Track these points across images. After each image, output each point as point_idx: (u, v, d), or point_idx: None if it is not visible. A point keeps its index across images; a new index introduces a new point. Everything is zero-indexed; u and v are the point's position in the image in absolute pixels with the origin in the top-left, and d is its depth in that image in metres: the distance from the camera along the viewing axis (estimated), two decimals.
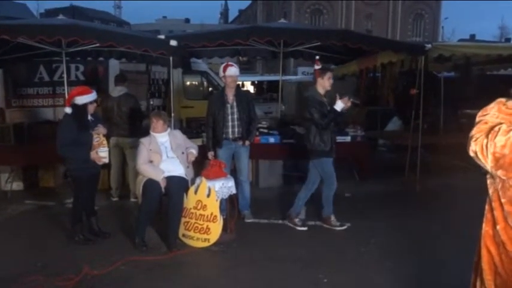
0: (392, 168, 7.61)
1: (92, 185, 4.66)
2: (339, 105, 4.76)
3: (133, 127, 5.94)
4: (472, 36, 44.72)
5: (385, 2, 42.52)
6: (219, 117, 5.07)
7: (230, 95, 5.11)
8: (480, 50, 6.84)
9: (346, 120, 7.04)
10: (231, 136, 5.12)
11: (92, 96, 4.45)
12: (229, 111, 5.09)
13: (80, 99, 4.36)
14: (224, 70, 5.04)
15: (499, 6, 68.45)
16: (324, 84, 4.95)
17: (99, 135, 4.43)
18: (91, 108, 4.47)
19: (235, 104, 5.10)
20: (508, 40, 47.09)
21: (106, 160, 4.54)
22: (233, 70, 5.04)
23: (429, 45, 6.32)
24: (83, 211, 4.63)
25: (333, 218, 5.03)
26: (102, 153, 4.44)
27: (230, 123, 5.10)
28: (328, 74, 4.96)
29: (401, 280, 3.70)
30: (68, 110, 4.40)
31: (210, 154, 5.13)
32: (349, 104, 4.82)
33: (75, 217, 4.59)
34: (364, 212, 5.33)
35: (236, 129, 5.12)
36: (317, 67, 5.04)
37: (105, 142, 4.49)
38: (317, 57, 5.16)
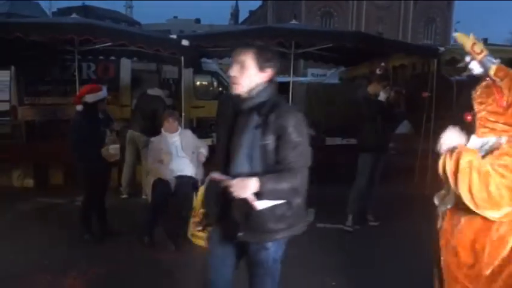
0: (402, 171, 7.54)
1: (103, 184, 4.67)
2: (382, 96, 4.83)
3: (152, 128, 5.96)
4: (484, 40, 44.14)
5: (397, 5, 42.27)
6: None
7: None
8: (492, 54, 6.77)
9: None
10: None
11: (102, 94, 4.46)
12: None
13: (90, 97, 4.36)
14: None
15: (511, 12, 67.73)
16: (375, 89, 4.93)
17: (112, 132, 4.44)
18: (101, 106, 4.48)
19: None
20: None
21: (117, 157, 4.52)
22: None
23: (442, 48, 6.28)
24: (93, 209, 4.64)
25: (349, 218, 5.00)
26: (112, 150, 4.42)
27: None
28: (385, 83, 4.96)
29: (410, 284, 3.66)
30: (79, 107, 4.40)
31: None
32: (392, 93, 4.89)
33: (85, 215, 4.60)
34: (372, 215, 5.27)
35: None
36: (378, 72, 5.11)
37: (116, 140, 4.49)
38: (382, 64, 5.25)
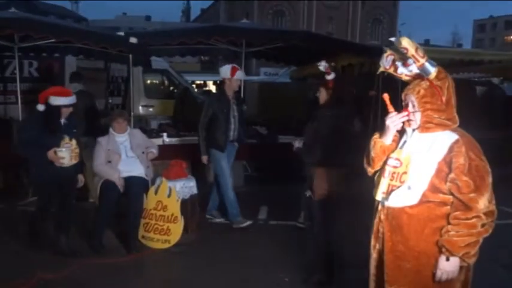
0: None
1: (63, 194, 4.24)
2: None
3: (88, 126, 5.74)
4: (427, 41, 46.58)
5: (345, 6, 43.50)
6: (223, 119, 4.89)
7: (231, 97, 5.02)
8: (433, 54, 7.09)
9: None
10: (231, 138, 5.04)
11: (69, 99, 4.08)
12: (231, 113, 4.98)
13: (55, 100, 3.99)
14: (233, 73, 4.89)
15: (452, 15, 71.76)
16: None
17: (71, 139, 4.15)
18: (65, 112, 4.10)
19: (234, 106, 5.05)
20: (459, 45, 49.42)
21: (65, 161, 4.10)
22: (241, 74, 5.00)
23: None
24: (47, 216, 4.26)
25: (302, 214, 5.02)
26: (61, 153, 4.05)
27: (232, 126, 5.00)
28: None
29: (361, 279, 3.77)
30: (41, 107, 4.01)
31: (205, 158, 4.99)
32: None
33: (34, 221, 4.27)
34: None
35: (236, 132, 5.07)
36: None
37: (72, 145, 4.15)
38: (331, 64, 5.30)
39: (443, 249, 2.02)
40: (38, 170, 4.10)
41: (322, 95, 3.70)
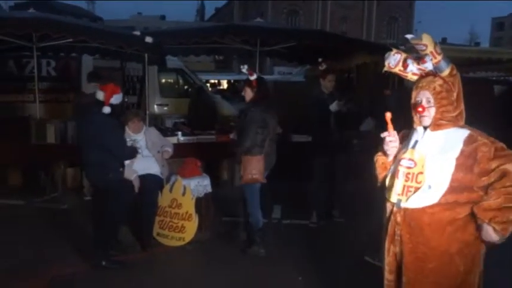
0: (366, 168, 7.69)
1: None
2: (333, 107, 4.94)
3: None
4: (444, 40, 45.95)
5: (360, 5, 43.16)
6: None
7: None
8: (451, 53, 6.99)
9: None
10: None
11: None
12: None
13: (116, 99, 3.93)
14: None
15: (469, 13, 70.72)
16: (325, 85, 5.01)
17: None
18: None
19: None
20: (477, 44, 48.66)
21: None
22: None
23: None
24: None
25: (314, 214, 5.11)
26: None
27: None
28: (329, 77, 5.00)
29: (373, 278, 3.75)
30: (107, 109, 3.83)
31: None
32: (345, 109, 5.08)
33: (107, 239, 4.05)
34: (338, 211, 5.37)
35: None
36: (321, 68, 5.09)
37: None
38: (320, 59, 5.22)
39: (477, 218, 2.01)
40: (119, 171, 4.03)
41: (248, 93, 4.12)
